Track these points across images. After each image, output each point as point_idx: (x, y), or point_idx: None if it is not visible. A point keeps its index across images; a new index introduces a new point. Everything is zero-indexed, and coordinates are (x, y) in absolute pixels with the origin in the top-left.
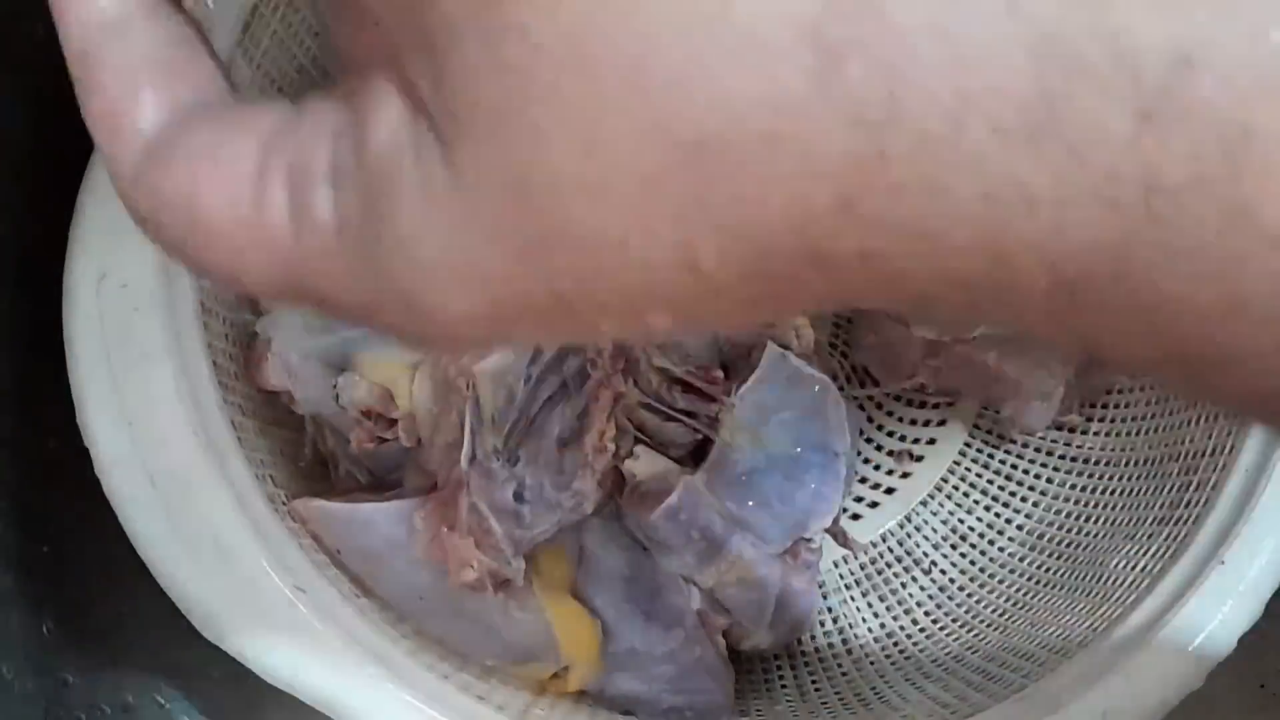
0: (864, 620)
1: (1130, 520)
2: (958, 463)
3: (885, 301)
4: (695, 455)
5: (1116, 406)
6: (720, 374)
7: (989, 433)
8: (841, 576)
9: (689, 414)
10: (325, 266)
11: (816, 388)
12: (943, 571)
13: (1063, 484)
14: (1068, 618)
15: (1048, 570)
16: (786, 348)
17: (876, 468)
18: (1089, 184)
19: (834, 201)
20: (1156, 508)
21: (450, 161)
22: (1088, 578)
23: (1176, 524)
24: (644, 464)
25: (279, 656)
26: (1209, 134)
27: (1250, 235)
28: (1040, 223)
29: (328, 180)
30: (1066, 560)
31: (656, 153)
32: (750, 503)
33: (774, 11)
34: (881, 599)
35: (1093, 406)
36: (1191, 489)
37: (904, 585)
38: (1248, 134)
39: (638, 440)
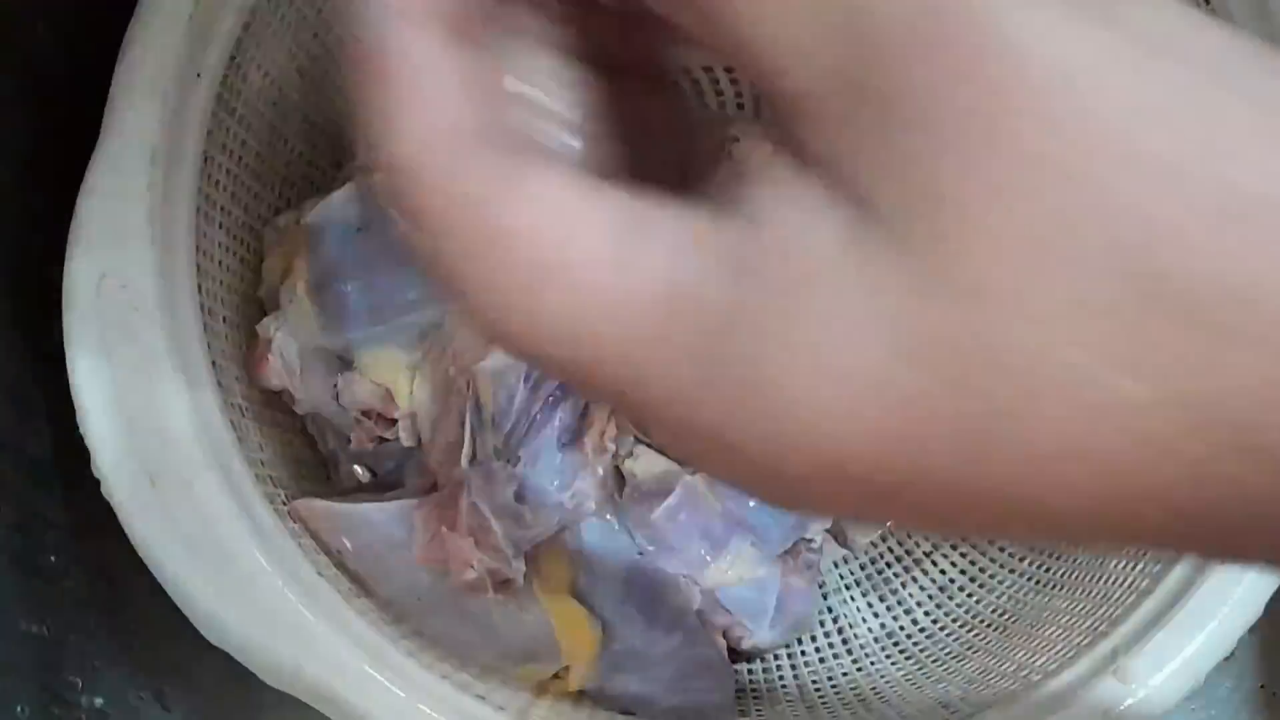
0: (864, 620)
1: None
2: None
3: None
4: None
5: None
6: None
7: None
8: (841, 577)
9: None
10: (666, 349)
11: None
12: (942, 572)
13: None
14: (1068, 618)
15: (1048, 570)
16: None
17: None
18: None
19: None
20: None
21: (900, 255)
22: (1088, 578)
23: None
24: (643, 464)
25: (279, 656)
26: None
27: None
28: None
29: (696, 256)
30: (1066, 560)
31: (1123, 290)
32: (751, 503)
33: None
34: (881, 599)
35: None
36: None
37: (904, 585)
38: None
39: (638, 440)
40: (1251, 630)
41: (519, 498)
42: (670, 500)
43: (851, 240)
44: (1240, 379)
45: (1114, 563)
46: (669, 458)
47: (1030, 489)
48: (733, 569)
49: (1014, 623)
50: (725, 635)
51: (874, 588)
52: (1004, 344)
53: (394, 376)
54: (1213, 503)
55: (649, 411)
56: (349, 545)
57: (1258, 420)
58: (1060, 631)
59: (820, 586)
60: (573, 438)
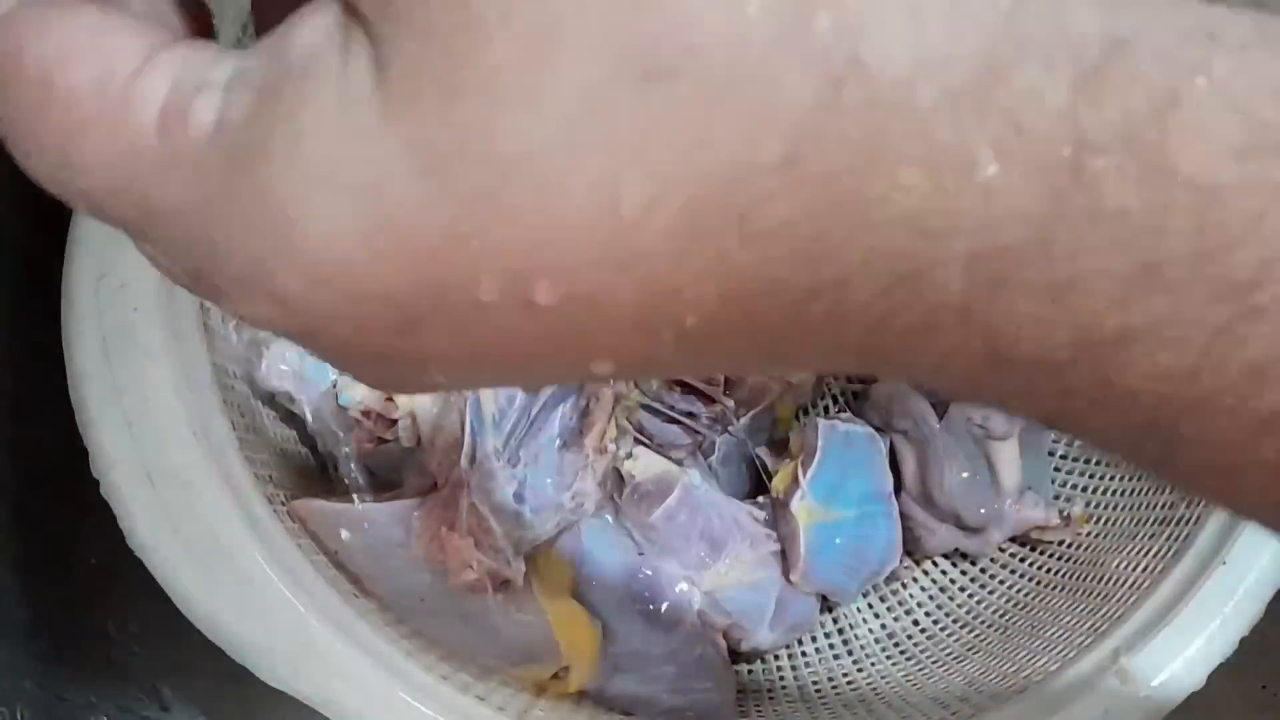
0: (864, 620)
1: (1131, 520)
2: None
3: (795, 300)
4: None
5: None
6: (720, 375)
7: None
8: None
9: (690, 415)
10: (176, 173)
11: (865, 440)
12: (943, 572)
13: (1064, 484)
14: (1068, 618)
15: (1048, 570)
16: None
17: None
18: (1023, 150)
19: (779, 155)
20: (1157, 508)
21: (380, 58)
22: (1088, 578)
23: (1177, 524)
24: (643, 465)
25: (279, 656)
26: (1138, 99)
27: (1170, 186)
28: (973, 189)
29: (221, 88)
30: (1067, 560)
31: (604, 69)
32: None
33: None
34: (882, 599)
35: None
36: None
37: (904, 585)
38: (1175, 99)
39: (638, 441)
40: (1252, 630)
41: (519, 498)
42: (669, 501)
43: (366, 63)
44: (727, 153)
45: (1114, 563)
46: (668, 458)
47: (547, 300)
48: (732, 571)
49: (1014, 623)
50: (725, 636)
51: (874, 588)
52: (505, 136)
53: None
54: (745, 297)
55: (158, 232)
56: (349, 545)
57: (751, 197)
58: (1061, 632)
59: None
60: (573, 438)
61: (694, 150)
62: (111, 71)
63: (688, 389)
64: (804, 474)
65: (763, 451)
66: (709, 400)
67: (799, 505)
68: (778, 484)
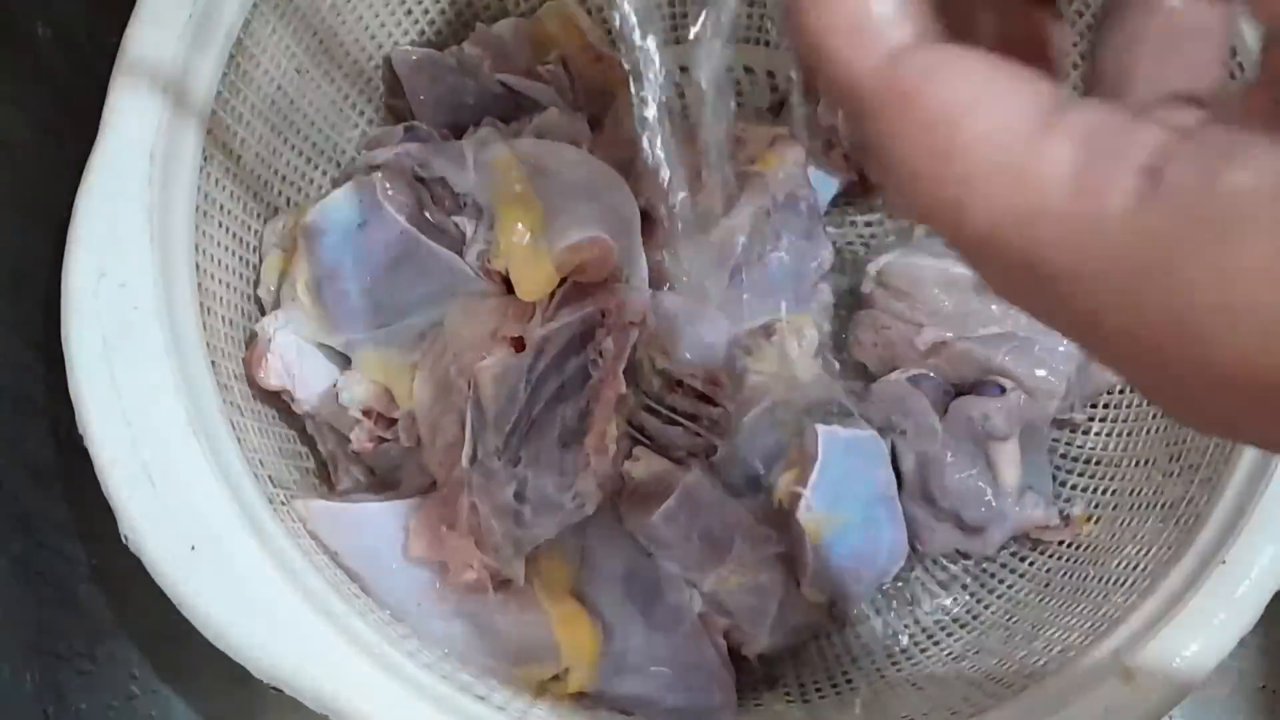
0: (864, 620)
1: (1130, 520)
2: None
3: None
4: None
5: (1117, 406)
6: (722, 377)
7: None
8: None
9: (691, 417)
10: (1080, 237)
11: (866, 444)
12: (943, 570)
13: (1063, 484)
14: (1068, 618)
15: (1048, 570)
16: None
17: None
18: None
19: None
20: (1157, 508)
21: None
22: (1088, 578)
23: (1176, 524)
24: (643, 465)
25: (279, 656)
26: None
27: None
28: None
29: (1138, 172)
30: (1067, 560)
31: None
32: (835, 584)
33: None
34: (883, 599)
35: (1094, 406)
36: (1192, 489)
37: (905, 585)
38: None
39: (638, 442)
40: (1252, 631)
41: (519, 498)
42: (670, 502)
43: None
44: None
45: (1114, 563)
46: (668, 459)
47: None
48: (734, 574)
49: (1014, 623)
50: (726, 638)
51: (877, 589)
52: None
53: (394, 376)
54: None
55: (1048, 288)
56: (348, 545)
57: None
58: (1061, 632)
59: None
60: (574, 438)
61: None
62: (1013, 126)
63: (689, 390)
64: (807, 482)
65: (764, 454)
66: (710, 401)
67: (804, 514)
68: (780, 490)
